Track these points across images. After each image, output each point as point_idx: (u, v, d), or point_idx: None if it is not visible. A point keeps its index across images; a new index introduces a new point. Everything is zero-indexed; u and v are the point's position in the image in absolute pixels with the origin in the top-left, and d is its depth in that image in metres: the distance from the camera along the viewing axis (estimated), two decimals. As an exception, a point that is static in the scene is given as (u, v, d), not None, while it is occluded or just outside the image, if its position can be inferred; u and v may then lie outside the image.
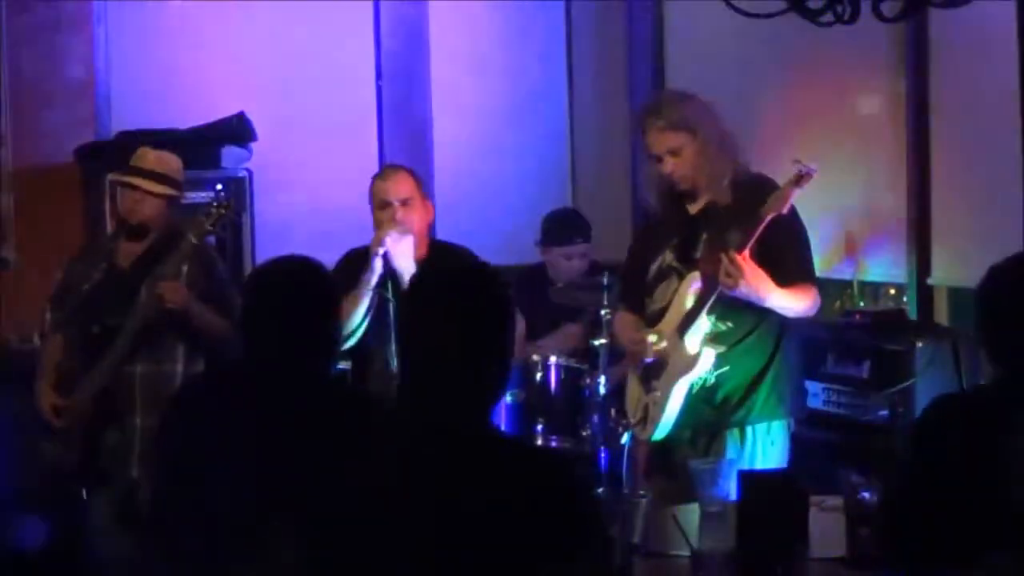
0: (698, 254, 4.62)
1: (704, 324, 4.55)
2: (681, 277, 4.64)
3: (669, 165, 4.64)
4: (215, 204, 5.08)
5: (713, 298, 4.50)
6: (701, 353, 4.55)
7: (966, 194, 5.58)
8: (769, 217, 4.41)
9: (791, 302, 4.56)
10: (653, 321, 4.70)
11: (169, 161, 5.27)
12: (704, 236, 4.63)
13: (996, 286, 3.25)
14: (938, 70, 5.66)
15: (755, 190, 4.55)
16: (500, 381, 2.91)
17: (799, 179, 4.38)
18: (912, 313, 5.74)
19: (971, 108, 5.52)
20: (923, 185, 5.73)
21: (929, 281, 5.74)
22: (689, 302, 4.57)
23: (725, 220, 4.58)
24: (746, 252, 4.42)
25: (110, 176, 5.36)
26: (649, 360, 4.63)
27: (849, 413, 5.45)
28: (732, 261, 4.39)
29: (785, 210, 4.41)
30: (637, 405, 4.74)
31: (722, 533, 3.72)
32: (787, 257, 4.56)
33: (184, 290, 5.04)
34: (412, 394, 2.90)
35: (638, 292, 4.80)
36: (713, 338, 4.57)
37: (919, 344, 5.21)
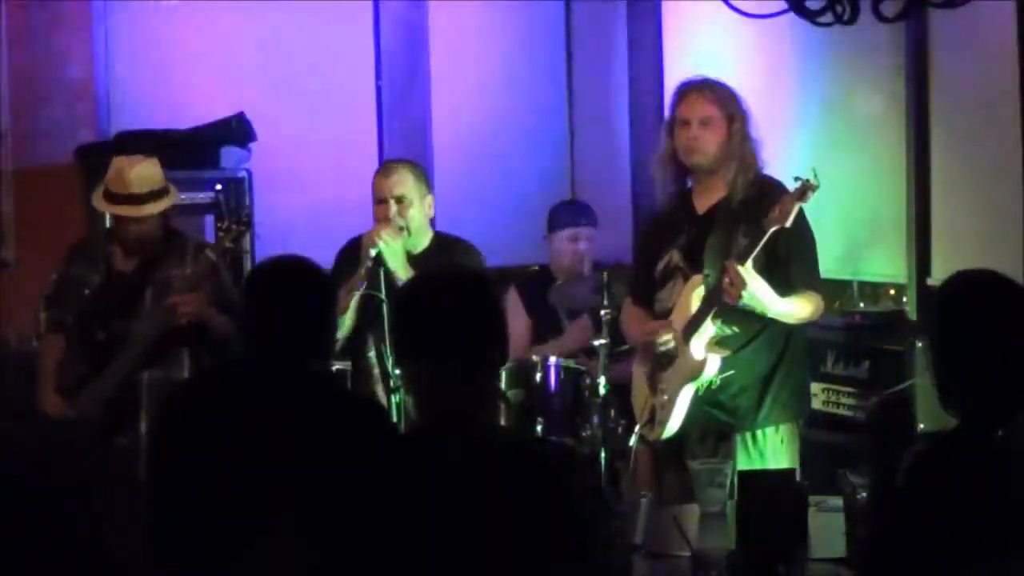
0: (704, 256, 4.61)
1: (709, 329, 4.55)
2: (687, 279, 4.64)
3: (695, 131, 4.62)
4: (235, 222, 5.13)
5: (718, 305, 4.50)
6: (706, 358, 4.55)
7: (966, 194, 5.58)
8: (772, 230, 4.40)
9: (794, 311, 4.56)
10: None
11: (147, 174, 5.15)
12: (711, 239, 4.62)
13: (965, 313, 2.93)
14: (938, 70, 5.65)
15: (766, 196, 4.54)
16: (496, 375, 2.96)
17: (802, 193, 4.37)
18: (912, 313, 5.74)
19: (971, 108, 5.52)
20: (923, 185, 5.72)
21: (929, 281, 5.74)
22: (694, 306, 4.57)
23: (732, 224, 4.57)
24: (749, 263, 4.41)
25: (94, 203, 5.27)
26: (661, 349, 4.63)
27: (849, 413, 5.45)
28: (734, 271, 4.39)
29: (788, 224, 4.40)
30: (644, 406, 4.74)
31: (722, 533, 3.73)
32: (792, 265, 4.56)
33: (197, 300, 5.03)
34: (416, 390, 2.91)
35: (647, 287, 4.79)
36: (718, 342, 4.57)
37: (919, 344, 5.21)
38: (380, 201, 5.22)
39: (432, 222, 5.41)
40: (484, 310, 2.97)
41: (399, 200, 5.20)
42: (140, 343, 5.06)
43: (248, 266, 6.52)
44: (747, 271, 4.40)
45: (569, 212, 6.25)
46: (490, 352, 2.94)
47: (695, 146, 4.65)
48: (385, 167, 5.44)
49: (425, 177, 5.37)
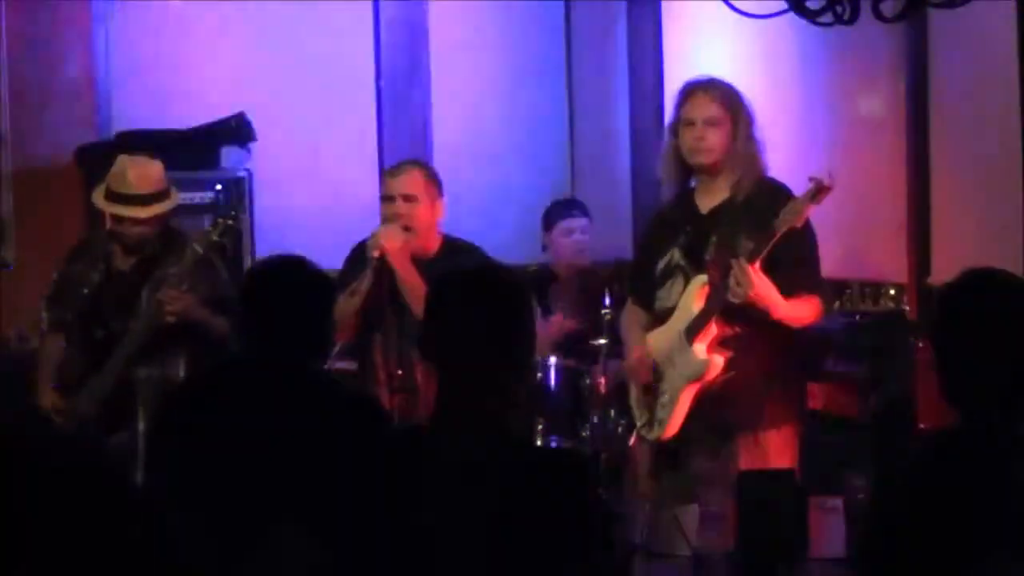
0: (707, 255, 4.60)
1: (712, 329, 4.52)
2: (688, 278, 4.62)
3: (700, 131, 4.61)
4: (221, 216, 5.12)
5: (721, 305, 4.48)
6: (708, 359, 4.53)
7: (966, 194, 5.58)
8: (782, 231, 4.38)
9: (796, 314, 4.53)
10: (661, 320, 4.69)
11: (150, 174, 5.15)
12: (714, 238, 4.60)
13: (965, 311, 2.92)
14: (938, 70, 5.65)
15: (769, 197, 4.52)
16: (517, 378, 2.95)
17: (816, 194, 4.34)
18: (912, 313, 5.73)
19: (971, 108, 5.52)
20: (923, 185, 5.72)
21: (929, 281, 5.74)
22: (696, 306, 4.55)
23: (735, 224, 4.55)
24: (757, 263, 4.39)
25: (94, 201, 5.26)
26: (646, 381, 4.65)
27: (849, 413, 5.45)
28: (742, 271, 4.37)
29: (799, 224, 4.38)
30: (641, 406, 4.73)
31: (722, 533, 3.72)
32: (796, 268, 4.52)
33: (186, 298, 5.02)
34: (437, 388, 2.91)
35: (647, 286, 4.78)
36: (721, 342, 4.54)
37: (919, 344, 5.21)
38: (387, 199, 5.16)
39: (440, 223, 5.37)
40: (512, 313, 2.95)
41: (406, 199, 5.11)
42: (134, 340, 5.06)
43: (247, 264, 6.53)
44: (755, 271, 4.38)
45: (560, 207, 6.31)
46: (511, 356, 2.93)
47: (700, 146, 4.63)
48: (396, 165, 5.38)
49: (437, 180, 5.22)
